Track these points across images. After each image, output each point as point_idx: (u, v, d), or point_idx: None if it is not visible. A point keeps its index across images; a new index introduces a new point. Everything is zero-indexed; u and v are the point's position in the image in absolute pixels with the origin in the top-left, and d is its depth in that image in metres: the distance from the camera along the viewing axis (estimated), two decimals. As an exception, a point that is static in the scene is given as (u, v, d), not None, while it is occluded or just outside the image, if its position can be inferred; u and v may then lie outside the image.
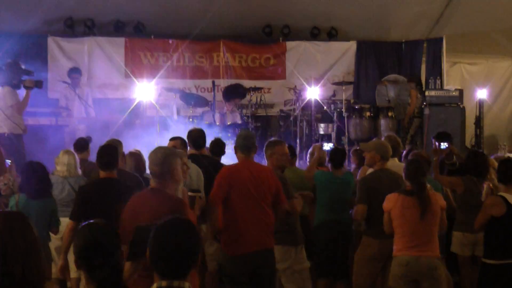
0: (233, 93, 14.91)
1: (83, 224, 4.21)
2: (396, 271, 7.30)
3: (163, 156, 5.84)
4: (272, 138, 9.26)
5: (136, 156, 9.00)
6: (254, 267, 7.06)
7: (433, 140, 10.55)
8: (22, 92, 12.13)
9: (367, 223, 8.18)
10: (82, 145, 10.25)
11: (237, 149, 7.52)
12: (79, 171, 9.41)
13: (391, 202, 7.42)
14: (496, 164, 9.17)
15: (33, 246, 4.04)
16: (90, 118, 14.24)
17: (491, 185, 8.12)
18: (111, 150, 7.55)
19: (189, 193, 6.75)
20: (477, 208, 7.80)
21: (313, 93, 14.87)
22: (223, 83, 16.43)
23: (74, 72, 14.76)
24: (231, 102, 14.73)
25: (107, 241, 4.08)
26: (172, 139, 9.12)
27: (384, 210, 7.48)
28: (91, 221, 4.23)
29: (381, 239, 7.79)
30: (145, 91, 13.61)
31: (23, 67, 12.30)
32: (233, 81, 16.27)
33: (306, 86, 15.30)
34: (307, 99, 15.00)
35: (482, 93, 16.13)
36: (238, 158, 7.52)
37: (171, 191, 5.79)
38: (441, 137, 10.35)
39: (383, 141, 8.93)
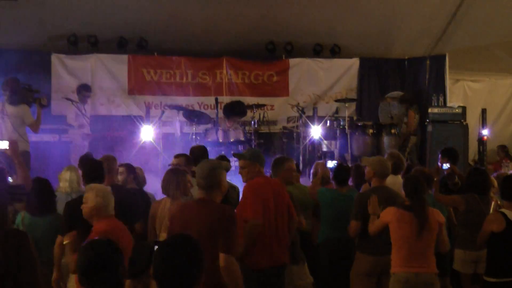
0: (232, 111, 14.92)
1: (86, 242, 4.22)
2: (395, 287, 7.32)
3: (209, 168, 6.15)
4: (278, 155, 9.28)
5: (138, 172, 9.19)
6: (274, 281, 7.12)
7: (439, 156, 10.55)
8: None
9: (360, 240, 8.18)
10: (86, 162, 10.19)
11: (256, 163, 7.56)
12: (82, 187, 9.42)
13: (389, 215, 7.47)
14: (495, 182, 9.20)
15: (27, 262, 4.05)
16: (94, 134, 14.24)
17: (499, 201, 8.12)
18: (96, 165, 7.91)
19: None
20: (479, 225, 7.81)
21: (316, 131, 14.78)
22: (226, 100, 16.43)
23: (85, 89, 14.77)
24: (230, 120, 14.74)
25: (109, 258, 4.09)
26: (177, 156, 9.16)
27: (380, 219, 7.56)
28: (95, 238, 4.23)
29: (374, 256, 7.85)
30: (149, 132, 13.53)
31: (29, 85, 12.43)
32: (236, 98, 16.29)
33: (310, 124, 15.18)
34: (311, 137, 14.90)
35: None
36: (256, 172, 7.53)
37: (217, 202, 6.11)
38: (447, 153, 10.37)
39: (381, 158, 8.92)
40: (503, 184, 7.79)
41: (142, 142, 13.21)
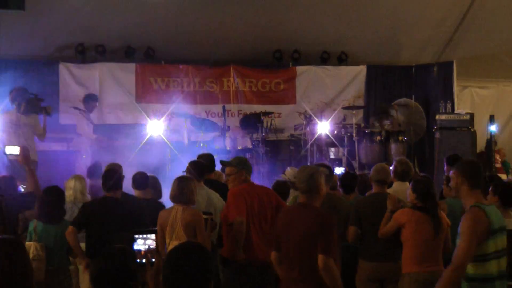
0: (250, 124, 15.02)
1: (101, 254, 4.20)
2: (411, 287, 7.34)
3: (309, 174, 6.41)
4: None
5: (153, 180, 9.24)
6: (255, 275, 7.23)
7: (445, 163, 10.53)
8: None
9: (360, 246, 8.17)
10: (93, 171, 10.27)
11: (243, 171, 7.99)
12: (88, 197, 9.48)
13: (405, 216, 7.49)
14: None
15: (21, 270, 4.05)
16: (101, 143, 14.26)
17: None
18: (114, 173, 8.12)
19: (204, 217, 7.34)
20: None
21: (323, 127, 14.81)
22: (233, 108, 16.48)
23: (92, 99, 14.75)
24: (245, 131, 14.84)
25: (122, 270, 4.06)
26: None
27: (393, 220, 7.56)
28: (109, 250, 4.22)
29: (374, 262, 7.84)
30: (156, 127, 13.59)
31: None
32: (243, 107, 16.35)
33: (317, 120, 15.24)
34: (318, 133, 14.95)
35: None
36: (242, 180, 7.96)
37: (317, 205, 6.38)
38: (452, 160, 10.34)
39: (381, 165, 8.89)
40: (506, 191, 7.85)
41: (149, 136, 13.23)
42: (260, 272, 7.30)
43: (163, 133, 13.74)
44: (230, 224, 7.56)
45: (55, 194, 7.87)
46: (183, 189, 7.45)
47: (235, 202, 7.65)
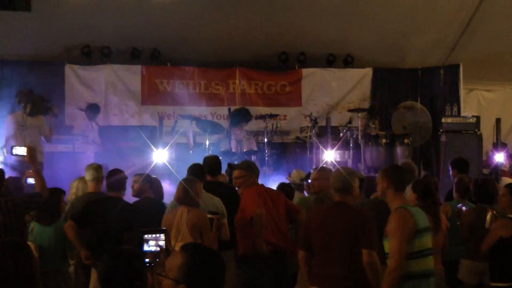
0: (237, 118, 14.94)
1: (107, 252, 4.20)
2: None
3: (344, 174, 6.74)
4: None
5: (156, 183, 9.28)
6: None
7: (449, 167, 10.52)
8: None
9: None
10: None
11: (252, 174, 8.18)
12: None
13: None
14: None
15: (25, 271, 4.04)
16: (106, 145, 14.28)
17: (494, 212, 8.11)
18: (117, 174, 8.30)
19: (208, 215, 7.36)
20: (485, 235, 7.88)
21: (329, 155, 14.72)
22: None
23: (94, 111, 14.67)
24: (237, 128, 14.76)
25: (130, 270, 4.05)
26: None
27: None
28: (117, 249, 4.22)
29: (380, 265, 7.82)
30: (162, 155, 13.52)
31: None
32: (249, 109, 16.32)
33: (324, 149, 15.17)
34: (324, 160, 14.87)
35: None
36: (251, 183, 8.12)
37: (351, 204, 6.67)
38: (457, 164, 10.34)
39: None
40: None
41: (154, 163, 13.21)
42: (279, 260, 7.50)
43: (167, 160, 13.64)
44: (250, 219, 7.66)
45: (54, 196, 7.89)
46: (188, 191, 7.45)
47: (251, 199, 7.80)
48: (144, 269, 4.13)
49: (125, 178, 8.40)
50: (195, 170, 8.72)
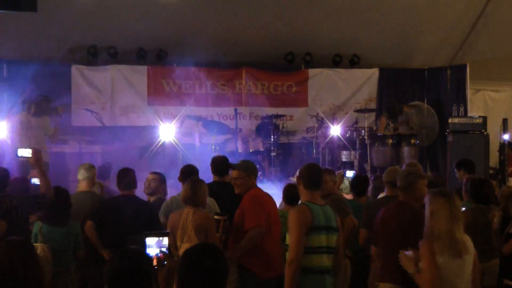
0: (266, 131, 15.04)
1: (115, 253, 4.18)
2: None
3: (404, 174, 7.03)
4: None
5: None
6: None
7: (455, 168, 10.51)
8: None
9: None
10: (104, 173, 10.29)
11: (251, 176, 7.92)
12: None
13: None
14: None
15: (33, 273, 4.03)
16: (113, 145, 14.29)
17: (500, 212, 8.12)
18: (129, 172, 8.41)
19: (215, 217, 7.35)
20: (484, 236, 7.93)
21: (335, 130, 14.78)
22: (245, 110, 16.46)
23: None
24: (261, 137, 14.88)
25: (137, 270, 4.04)
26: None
27: None
28: (124, 250, 4.20)
29: None
30: (168, 131, 13.59)
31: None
32: (255, 109, 16.35)
33: (329, 123, 15.22)
34: (330, 135, 14.91)
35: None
36: (250, 184, 7.84)
37: (413, 204, 6.78)
38: (462, 164, 10.33)
39: (393, 167, 8.90)
40: None
41: (161, 141, 13.23)
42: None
43: (175, 136, 13.72)
44: (245, 231, 7.42)
45: (60, 196, 7.87)
46: (195, 191, 7.43)
47: (257, 208, 7.51)
48: (151, 270, 4.11)
49: (134, 176, 8.50)
50: (187, 172, 8.76)
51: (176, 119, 14.60)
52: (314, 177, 6.73)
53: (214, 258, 3.95)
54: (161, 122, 13.83)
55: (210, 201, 8.19)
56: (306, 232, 6.32)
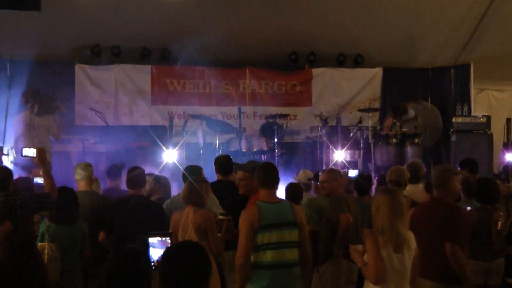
0: (271, 131, 15.01)
1: (112, 252, 4.17)
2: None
3: (440, 171, 7.18)
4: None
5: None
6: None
7: (458, 168, 10.49)
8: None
9: None
10: (115, 172, 9.98)
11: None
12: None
13: None
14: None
15: (36, 273, 4.02)
16: (116, 145, 14.28)
17: (501, 213, 8.14)
18: (137, 170, 8.36)
19: (219, 216, 7.36)
20: (489, 236, 8.02)
21: (339, 155, 14.69)
22: (249, 110, 16.46)
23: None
24: (266, 137, 14.85)
25: (135, 270, 4.02)
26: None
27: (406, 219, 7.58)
28: (122, 249, 4.18)
29: None
30: (171, 155, 13.54)
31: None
32: (259, 108, 16.33)
33: (333, 149, 15.16)
34: (334, 160, 14.83)
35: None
36: (254, 187, 7.66)
37: (448, 200, 7.05)
38: (465, 164, 10.33)
39: (396, 166, 8.91)
40: None
41: (164, 163, 13.21)
42: None
43: (177, 159, 13.65)
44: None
45: (67, 195, 7.88)
46: (194, 191, 7.44)
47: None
48: (150, 269, 4.09)
49: (144, 175, 8.49)
50: (189, 171, 8.77)
51: (178, 145, 14.47)
52: (268, 176, 6.92)
53: (194, 255, 3.95)
54: (164, 148, 13.70)
55: (213, 200, 8.20)
56: (256, 231, 6.57)
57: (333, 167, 10.50)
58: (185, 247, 4.03)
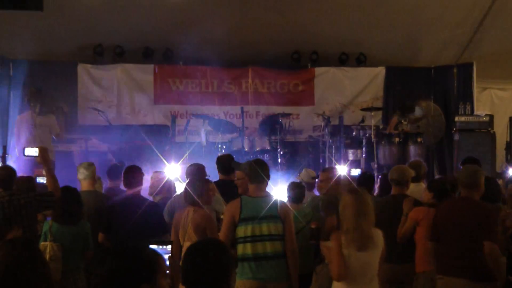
0: (270, 127, 14.99)
1: (112, 252, 4.11)
2: (426, 286, 7.37)
3: (471, 171, 7.24)
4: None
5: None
6: None
7: (460, 167, 10.48)
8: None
9: None
10: (115, 172, 9.99)
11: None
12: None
13: (421, 213, 7.63)
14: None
15: (38, 274, 4.01)
16: (119, 144, 14.29)
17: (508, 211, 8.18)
18: (135, 170, 8.39)
19: (221, 216, 7.47)
20: None
21: (343, 171, 14.66)
22: (251, 109, 16.46)
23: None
24: (265, 133, 14.82)
25: (135, 270, 3.90)
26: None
27: (409, 219, 7.70)
28: (121, 249, 4.12)
29: (393, 264, 7.82)
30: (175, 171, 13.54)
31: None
32: (261, 108, 16.31)
33: (337, 165, 15.13)
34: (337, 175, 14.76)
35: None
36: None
37: (476, 199, 7.07)
38: (468, 163, 10.30)
39: (398, 166, 8.91)
40: None
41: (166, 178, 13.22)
42: None
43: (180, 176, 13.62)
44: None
45: (70, 194, 7.88)
46: (191, 190, 7.47)
47: None
48: (153, 269, 3.95)
49: (142, 174, 8.46)
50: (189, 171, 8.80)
51: (181, 160, 14.45)
52: (254, 172, 7.16)
53: (216, 252, 3.95)
54: (166, 163, 13.67)
55: (218, 199, 8.23)
56: (236, 223, 6.94)
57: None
58: (207, 244, 4.04)
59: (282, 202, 7.22)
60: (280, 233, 6.96)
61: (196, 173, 8.57)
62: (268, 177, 7.27)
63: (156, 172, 9.40)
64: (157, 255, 3.90)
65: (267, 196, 7.17)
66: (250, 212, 6.90)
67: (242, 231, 6.89)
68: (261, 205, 6.96)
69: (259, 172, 7.12)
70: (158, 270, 3.81)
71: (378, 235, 6.36)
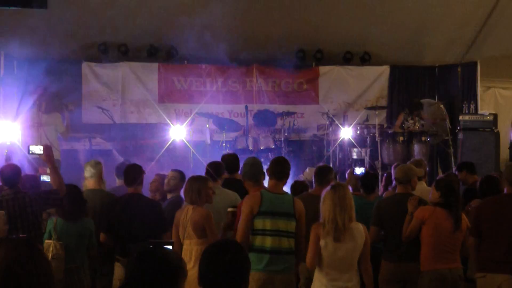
0: (263, 121, 14.98)
1: (137, 252, 4.03)
2: (431, 285, 7.39)
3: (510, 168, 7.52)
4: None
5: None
6: None
7: (456, 171, 10.52)
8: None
9: (384, 247, 8.17)
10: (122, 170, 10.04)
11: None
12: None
13: (426, 212, 7.58)
14: None
15: (43, 273, 4.01)
16: (123, 143, 14.30)
17: None
18: (135, 168, 8.33)
19: (229, 209, 7.51)
20: None
21: (346, 133, 14.79)
22: (256, 108, 16.45)
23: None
24: (260, 128, 14.79)
25: (164, 272, 3.80)
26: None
27: (415, 218, 7.64)
28: (147, 248, 4.06)
29: (397, 263, 7.87)
30: (179, 131, 13.62)
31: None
32: (266, 106, 16.30)
33: (340, 126, 15.17)
34: (341, 138, 14.89)
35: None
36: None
37: None
38: (463, 167, 10.39)
39: (403, 165, 8.91)
40: None
41: (171, 140, 13.23)
42: None
43: (185, 137, 13.72)
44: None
45: (73, 192, 7.90)
46: (191, 188, 7.48)
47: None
48: (178, 274, 3.87)
49: (143, 173, 8.40)
50: (214, 166, 8.81)
51: (188, 119, 14.55)
52: (277, 169, 7.33)
53: (233, 253, 3.95)
54: (171, 124, 13.79)
55: (232, 194, 8.35)
56: (254, 215, 7.01)
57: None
58: (223, 245, 4.02)
59: (297, 201, 7.28)
60: (294, 231, 7.13)
61: (209, 172, 8.59)
62: (288, 175, 7.47)
63: (173, 170, 9.38)
64: (181, 260, 3.91)
65: (286, 194, 7.38)
66: (269, 207, 7.05)
67: (261, 224, 7.02)
68: (280, 201, 7.13)
69: (280, 169, 7.34)
70: (181, 275, 3.80)
71: (359, 229, 6.71)
